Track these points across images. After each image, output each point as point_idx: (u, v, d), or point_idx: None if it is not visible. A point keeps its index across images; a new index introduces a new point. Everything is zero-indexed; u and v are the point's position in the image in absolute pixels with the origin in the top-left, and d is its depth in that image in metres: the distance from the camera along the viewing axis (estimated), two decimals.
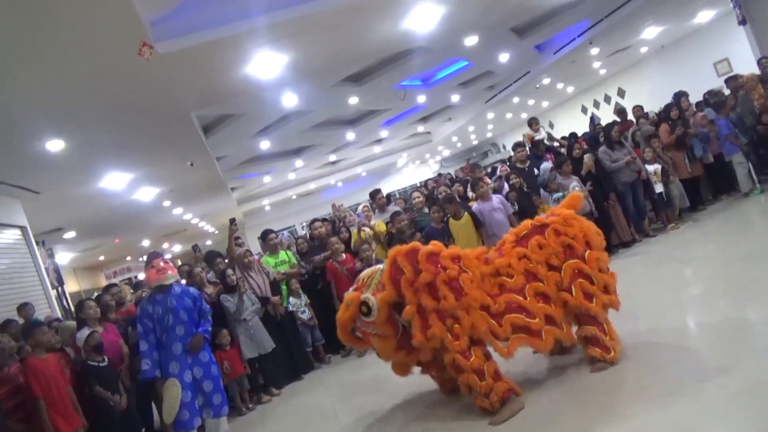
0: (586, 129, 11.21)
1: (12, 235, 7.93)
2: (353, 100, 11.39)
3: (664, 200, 7.68)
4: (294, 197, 23.38)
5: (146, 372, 4.09)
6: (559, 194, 7.10)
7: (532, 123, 9.25)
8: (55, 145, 6.57)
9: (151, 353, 4.14)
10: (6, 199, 7.82)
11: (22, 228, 8.20)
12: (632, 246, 7.22)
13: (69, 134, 6.47)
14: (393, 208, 7.74)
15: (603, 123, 10.88)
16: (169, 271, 4.32)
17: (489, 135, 25.52)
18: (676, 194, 7.58)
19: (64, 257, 14.94)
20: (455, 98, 14.69)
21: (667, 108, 8.68)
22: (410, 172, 28.19)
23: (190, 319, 4.25)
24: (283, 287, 6.49)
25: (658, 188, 7.54)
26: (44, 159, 6.88)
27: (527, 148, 8.39)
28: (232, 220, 6.57)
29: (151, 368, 4.10)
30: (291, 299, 6.42)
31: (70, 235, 12.42)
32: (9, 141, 6.11)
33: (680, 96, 8.69)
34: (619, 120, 9.13)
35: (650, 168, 7.57)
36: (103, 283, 18.07)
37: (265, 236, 7.13)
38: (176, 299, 4.25)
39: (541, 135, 8.92)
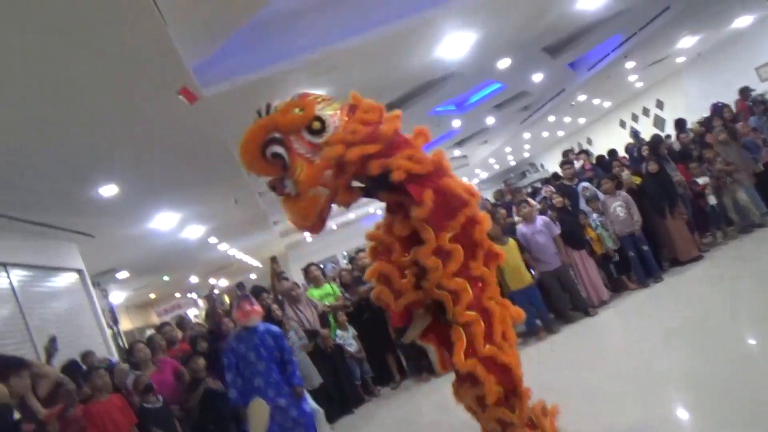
0: (625, 144, 11.05)
1: (70, 279, 8.26)
2: None
3: (716, 212, 7.44)
4: (334, 227, 23.58)
5: (234, 400, 4.50)
6: (601, 217, 6.96)
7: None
8: (108, 190, 6.85)
9: (236, 383, 4.52)
10: (64, 244, 8.18)
11: (79, 271, 8.54)
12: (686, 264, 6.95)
13: (121, 179, 6.75)
14: None
15: (642, 136, 10.70)
16: (254, 315, 4.65)
17: (526, 155, 25.33)
18: (730, 206, 7.28)
19: (117, 296, 15.40)
20: (490, 121, 14.67)
21: (708, 120, 8.48)
22: None
23: (270, 356, 4.59)
24: (331, 320, 6.53)
25: (711, 200, 7.33)
26: (98, 204, 7.18)
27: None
28: (273, 258, 6.70)
29: (239, 396, 4.48)
30: (338, 332, 6.45)
31: (123, 275, 12.83)
32: (67, 190, 6.42)
33: (721, 108, 8.48)
34: (663, 134, 8.99)
35: (699, 181, 7.39)
36: (155, 320, 18.54)
37: (307, 269, 7.24)
38: (259, 338, 4.59)
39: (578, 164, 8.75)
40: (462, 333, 2.85)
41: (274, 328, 4.88)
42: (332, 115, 3.02)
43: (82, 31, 3.74)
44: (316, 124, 2.91)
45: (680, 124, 9.12)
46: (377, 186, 3.06)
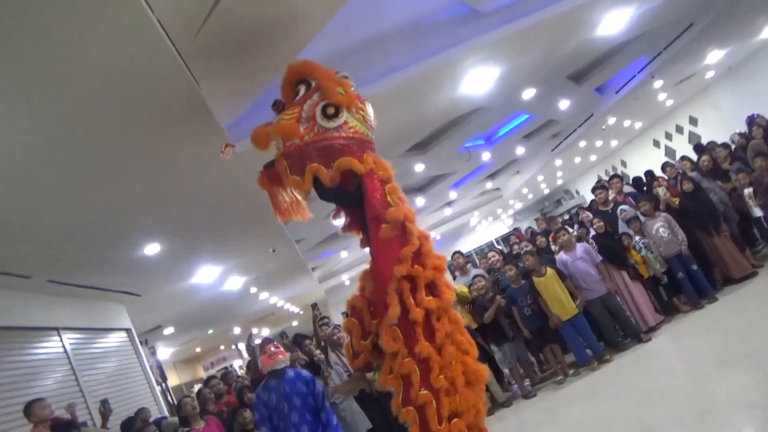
0: (661, 163, 10.80)
1: (119, 338, 8.46)
2: (419, 168, 11.56)
3: (764, 226, 7.15)
4: None
5: None
6: (644, 239, 6.78)
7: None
8: (151, 249, 7.06)
9: None
10: (112, 305, 8.42)
11: (127, 330, 8.75)
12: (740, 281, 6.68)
13: (163, 237, 6.95)
14: (475, 270, 7.62)
15: (678, 155, 10.46)
16: (280, 356, 4.46)
17: (560, 182, 25.05)
18: None
19: (164, 352, 15.65)
20: (520, 151, 14.62)
21: (749, 133, 8.28)
22: (484, 230, 27.87)
23: (304, 404, 4.30)
24: None
25: (757, 212, 7.04)
26: (143, 263, 7.39)
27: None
28: (314, 305, 6.70)
29: None
30: None
31: (169, 331, 13.06)
32: (113, 253, 6.66)
33: (753, 120, 8.29)
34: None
35: (745, 191, 7.13)
36: (202, 374, 18.69)
37: (346, 313, 7.22)
38: (289, 385, 4.33)
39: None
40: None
41: (305, 373, 4.64)
42: (348, 122, 3.02)
43: (122, 106, 3.94)
44: (331, 110, 2.94)
45: (699, 148, 8.97)
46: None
